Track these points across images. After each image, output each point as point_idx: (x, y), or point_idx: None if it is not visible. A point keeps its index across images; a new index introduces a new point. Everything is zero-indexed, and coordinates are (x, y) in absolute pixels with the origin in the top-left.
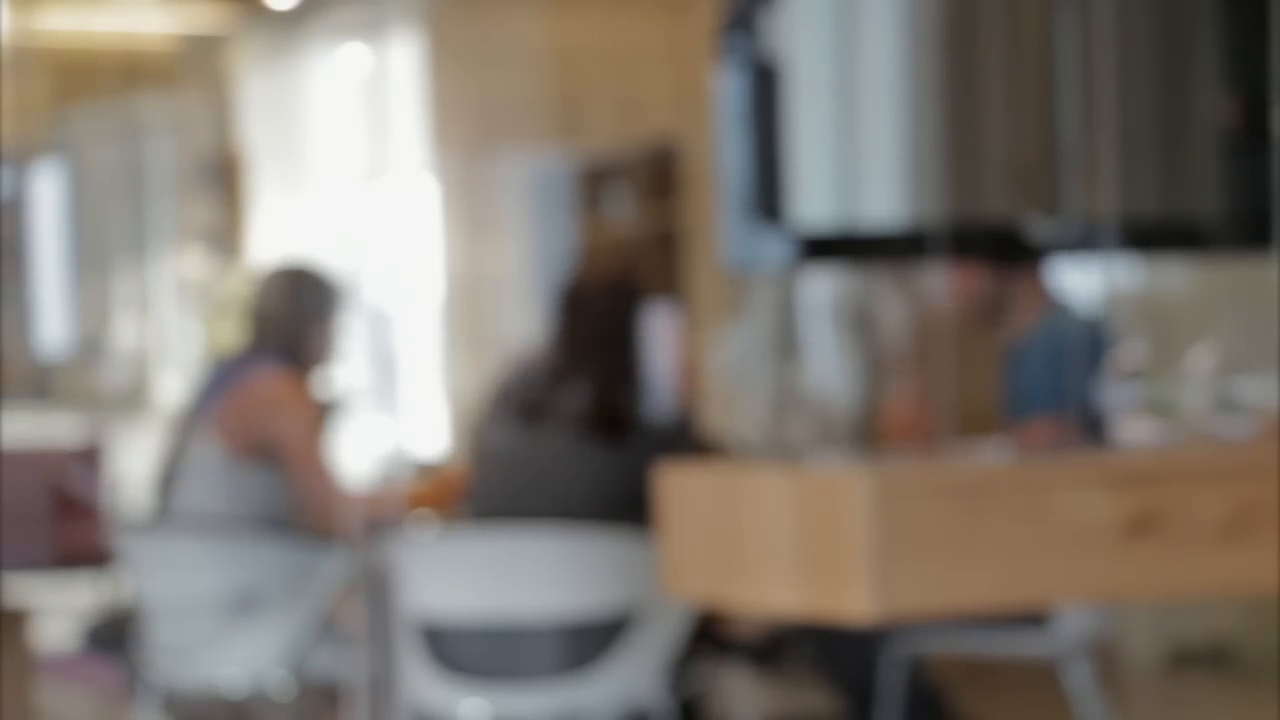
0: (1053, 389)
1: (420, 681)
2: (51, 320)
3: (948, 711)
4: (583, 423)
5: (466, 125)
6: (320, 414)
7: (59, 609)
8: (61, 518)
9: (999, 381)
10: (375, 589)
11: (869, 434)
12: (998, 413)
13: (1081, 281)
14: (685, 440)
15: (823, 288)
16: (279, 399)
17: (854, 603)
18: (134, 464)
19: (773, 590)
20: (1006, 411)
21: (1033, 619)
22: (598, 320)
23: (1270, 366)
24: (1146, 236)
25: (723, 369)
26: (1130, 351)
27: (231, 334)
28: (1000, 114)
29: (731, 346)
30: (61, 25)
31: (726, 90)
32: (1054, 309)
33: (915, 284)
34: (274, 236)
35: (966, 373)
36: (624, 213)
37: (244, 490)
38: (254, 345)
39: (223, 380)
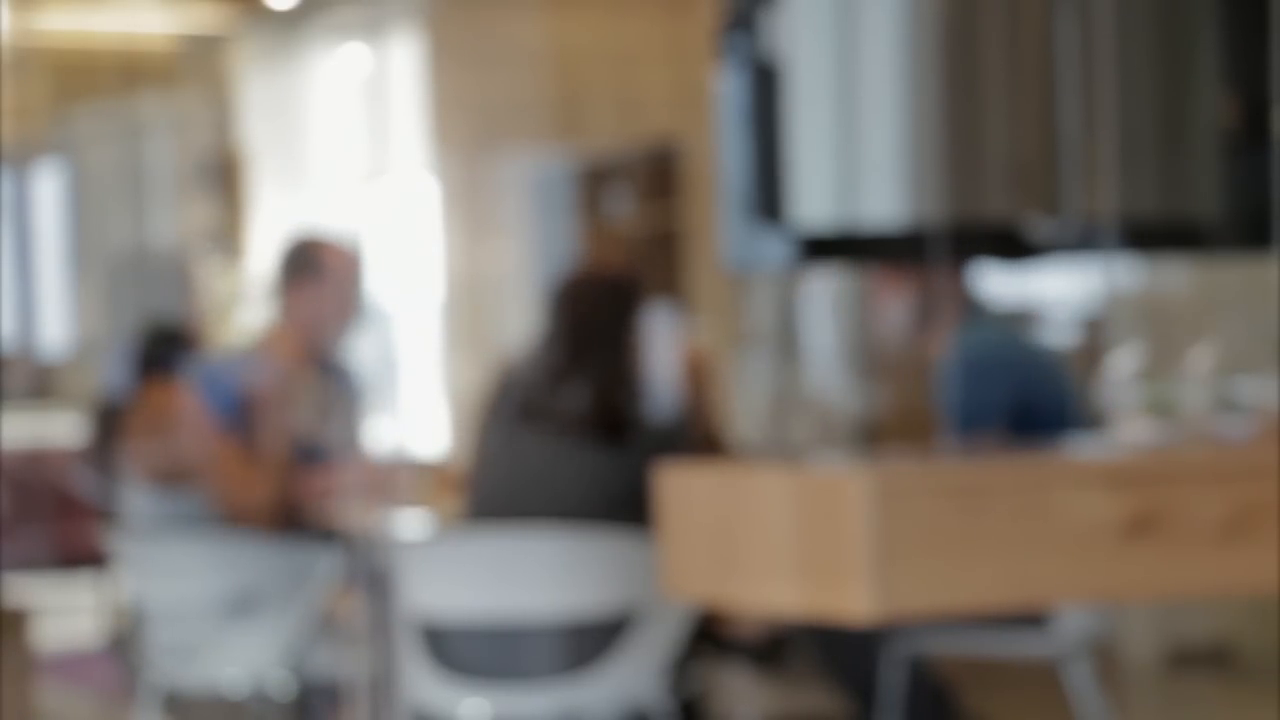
0: (966, 406)
1: (420, 681)
2: (51, 320)
3: (950, 710)
4: (582, 423)
5: (466, 125)
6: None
7: (59, 609)
8: (61, 518)
9: (933, 395)
10: (375, 588)
11: (869, 434)
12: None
13: (1080, 281)
14: (685, 440)
15: (823, 288)
16: None
17: (854, 603)
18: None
19: (773, 590)
20: (941, 425)
21: (1033, 619)
22: (596, 320)
23: (1270, 366)
24: (1146, 236)
25: (723, 369)
26: (1129, 351)
27: (228, 334)
28: (1000, 114)
29: (731, 347)
30: (61, 25)
31: (726, 90)
32: (972, 315)
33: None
34: (274, 236)
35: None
36: (624, 213)
37: None
38: None
39: None
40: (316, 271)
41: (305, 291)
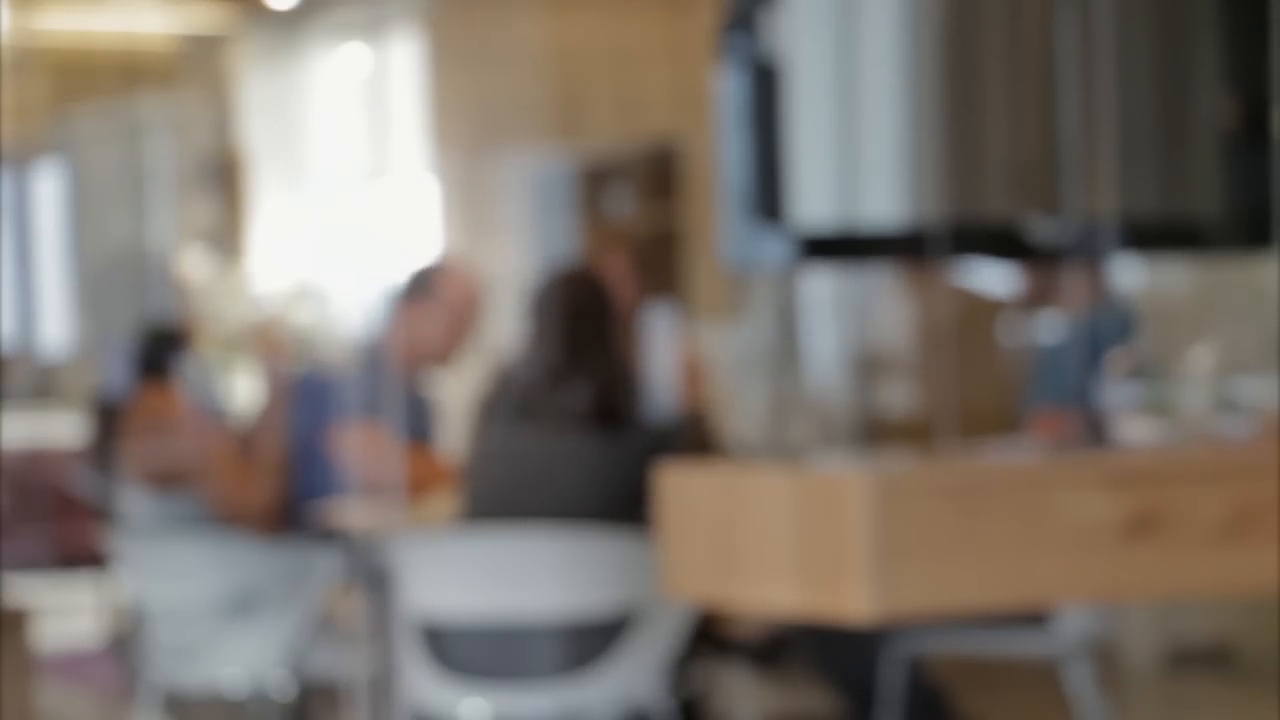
0: (1071, 383)
1: (420, 681)
2: (51, 320)
3: (948, 711)
4: (580, 420)
5: (466, 125)
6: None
7: (59, 609)
8: (61, 518)
9: (1034, 370)
10: (375, 588)
11: (869, 434)
12: (1016, 406)
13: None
14: (684, 439)
15: (823, 288)
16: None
17: (854, 603)
18: None
19: (773, 590)
20: (1031, 401)
21: (1033, 619)
22: (588, 318)
23: (1270, 366)
24: (1146, 236)
25: (723, 369)
26: (1130, 351)
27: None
28: (1000, 114)
29: (731, 346)
30: (61, 25)
31: (726, 90)
32: (1101, 304)
33: (915, 284)
34: (274, 236)
35: (966, 373)
36: (624, 213)
37: None
38: None
39: None
40: (430, 296)
41: (413, 313)
